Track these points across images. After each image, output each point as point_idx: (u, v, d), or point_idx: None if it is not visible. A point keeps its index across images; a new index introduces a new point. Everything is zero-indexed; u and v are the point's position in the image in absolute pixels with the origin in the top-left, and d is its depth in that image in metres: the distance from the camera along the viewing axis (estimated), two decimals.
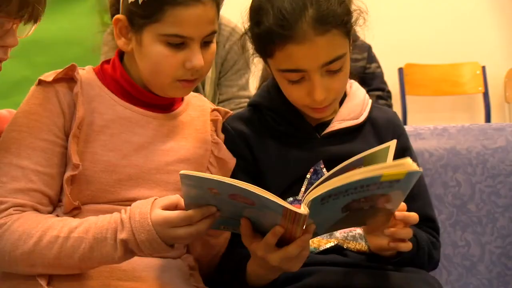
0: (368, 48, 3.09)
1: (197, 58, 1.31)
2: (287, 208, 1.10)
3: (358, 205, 1.15)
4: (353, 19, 1.36)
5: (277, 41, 1.30)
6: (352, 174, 1.09)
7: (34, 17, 1.21)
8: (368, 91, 1.55)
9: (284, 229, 1.15)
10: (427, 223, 1.47)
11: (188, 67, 1.31)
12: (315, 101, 1.34)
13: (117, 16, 1.33)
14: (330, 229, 1.26)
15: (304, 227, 1.15)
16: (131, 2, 1.29)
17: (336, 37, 1.31)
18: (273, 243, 1.17)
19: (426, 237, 1.43)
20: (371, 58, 3.13)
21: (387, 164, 1.13)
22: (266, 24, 1.31)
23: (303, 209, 1.10)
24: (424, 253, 1.41)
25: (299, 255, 1.18)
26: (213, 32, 1.33)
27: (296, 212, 1.10)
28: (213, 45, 1.36)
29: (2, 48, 1.21)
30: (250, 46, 1.41)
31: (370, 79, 3.09)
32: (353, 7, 1.36)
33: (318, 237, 1.36)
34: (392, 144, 1.20)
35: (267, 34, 1.31)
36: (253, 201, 1.12)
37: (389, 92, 3.18)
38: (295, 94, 1.36)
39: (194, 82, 1.35)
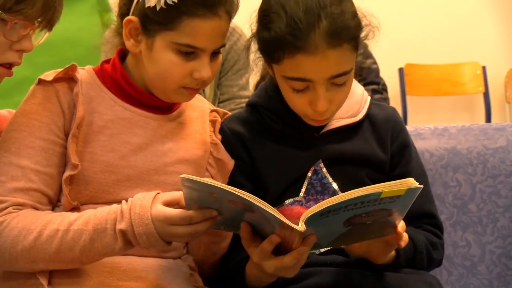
0: (364, 46, 3.08)
1: (206, 70, 1.31)
2: (284, 222, 1.10)
3: (360, 220, 1.15)
4: (363, 34, 1.35)
5: (287, 49, 1.28)
6: (353, 192, 1.09)
7: (50, 24, 1.23)
8: (363, 86, 1.54)
9: (281, 238, 1.15)
10: (428, 220, 1.46)
11: (196, 76, 1.31)
12: (317, 112, 1.33)
13: (129, 17, 1.32)
14: (334, 243, 1.25)
15: (302, 239, 1.14)
16: (148, 6, 1.28)
17: (347, 51, 1.30)
18: (269, 250, 1.17)
19: (424, 239, 1.42)
20: (367, 55, 3.13)
21: (388, 183, 1.12)
22: (277, 30, 1.29)
23: (300, 226, 1.09)
24: (422, 256, 1.40)
25: (295, 265, 1.18)
26: (223, 45, 1.34)
27: (292, 228, 1.10)
28: (220, 56, 1.36)
29: (17, 52, 1.22)
30: (254, 48, 1.39)
31: (365, 73, 3.08)
32: (364, 22, 1.35)
33: None
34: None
35: (277, 40, 1.29)
36: (252, 209, 1.12)
37: (384, 85, 3.17)
38: (297, 102, 1.35)
39: (198, 90, 1.36)
